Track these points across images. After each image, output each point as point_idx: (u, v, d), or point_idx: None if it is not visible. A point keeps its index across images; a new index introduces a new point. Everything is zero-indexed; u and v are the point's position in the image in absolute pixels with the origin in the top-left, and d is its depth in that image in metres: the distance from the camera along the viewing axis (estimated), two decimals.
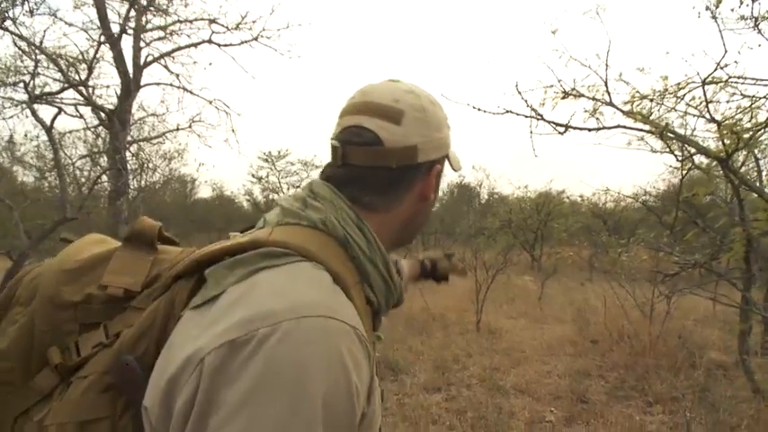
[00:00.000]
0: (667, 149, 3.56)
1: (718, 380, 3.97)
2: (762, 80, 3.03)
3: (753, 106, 3.09)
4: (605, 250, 9.71)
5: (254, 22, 8.63)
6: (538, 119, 3.19)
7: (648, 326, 4.88)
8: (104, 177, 8.00)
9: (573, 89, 3.64)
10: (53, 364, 0.53)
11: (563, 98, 3.54)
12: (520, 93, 3.12)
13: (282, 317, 0.45)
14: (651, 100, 3.47)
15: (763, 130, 3.04)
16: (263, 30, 8.68)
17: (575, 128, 3.20)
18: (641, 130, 3.46)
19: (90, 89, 7.12)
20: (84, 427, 0.49)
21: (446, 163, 0.72)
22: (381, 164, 0.62)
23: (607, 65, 3.59)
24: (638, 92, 3.67)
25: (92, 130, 8.12)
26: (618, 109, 3.60)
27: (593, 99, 3.68)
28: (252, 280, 0.50)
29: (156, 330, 0.52)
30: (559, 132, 3.19)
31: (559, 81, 3.67)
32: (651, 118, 3.54)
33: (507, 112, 3.19)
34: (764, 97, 2.98)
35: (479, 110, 3.19)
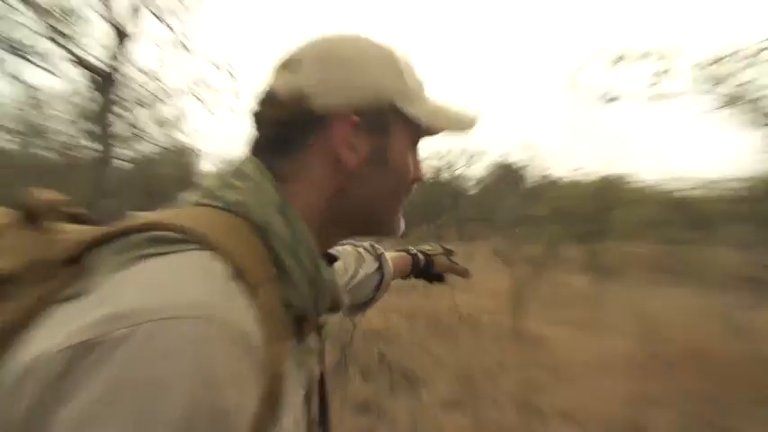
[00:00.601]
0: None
1: None
2: None
3: None
4: (682, 248, 9.29)
5: None
6: (579, 87, 2.93)
7: (737, 345, 4.62)
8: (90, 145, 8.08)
9: (633, 50, 3.32)
10: None
11: (617, 62, 3.27)
12: (560, 57, 2.84)
13: (147, 317, 0.43)
14: (734, 62, 3.08)
15: None
16: None
17: (629, 97, 2.92)
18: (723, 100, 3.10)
19: (78, 43, 7.11)
20: None
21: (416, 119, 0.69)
22: (274, 117, 0.64)
23: (681, 21, 3.23)
24: (717, 55, 3.28)
25: (82, 89, 8.19)
26: (692, 73, 3.25)
27: (661, 61, 3.35)
28: (132, 269, 0.49)
29: (27, 323, 0.50)
30: (606, 100, 2.94)
31: (618, 41, 3.33)
32: (734, 84, 3.16)
33: (543, 79, 2.94)
34: None
35: (514, 77, 2.95)
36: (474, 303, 7.08)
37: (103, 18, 7.45)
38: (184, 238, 0.52)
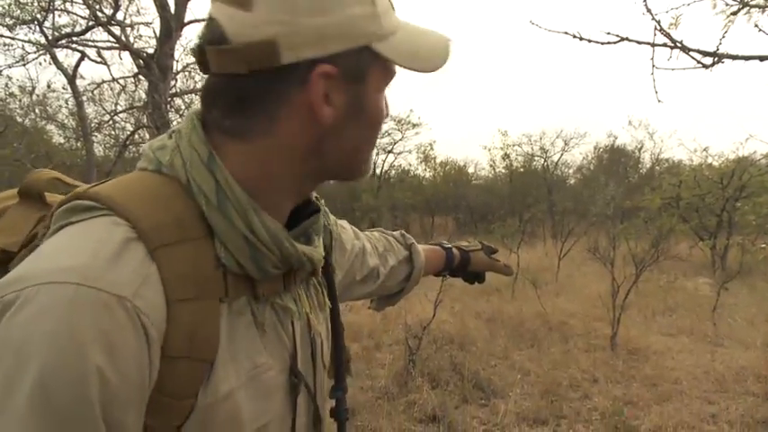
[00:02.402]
0: None
1: None
2: None
3: None
4: None
5: None
6: (673, 47, 2.80)
7: None
8: (146, 137, 8.65)
9: None
10: None
11: (737, 12, 3.07)
12: (650, 11, 2.76)
13: (29, 282, 0.51)
14: None
15: None
16: None
17: (735, 57, 2.75)
18: None
19: (126, 28, 7.67)
20: None
21: (379, 63, 0.67)
22: (233, 70, 0.61)
23: None
24: None
25: (132, 78, 8.81)
26: None
27: None
28: (49, 238, 0.59)
29: None
30: (705, 65, 2.78)
31: None
32: None
33: (622, 39, 2.85)
34: None
35: (580, 38, 2.90)
36: (566, 308, 7.02)
37: (157, 5, 7.98)
38: (95, 206, 0.59)
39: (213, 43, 0.62)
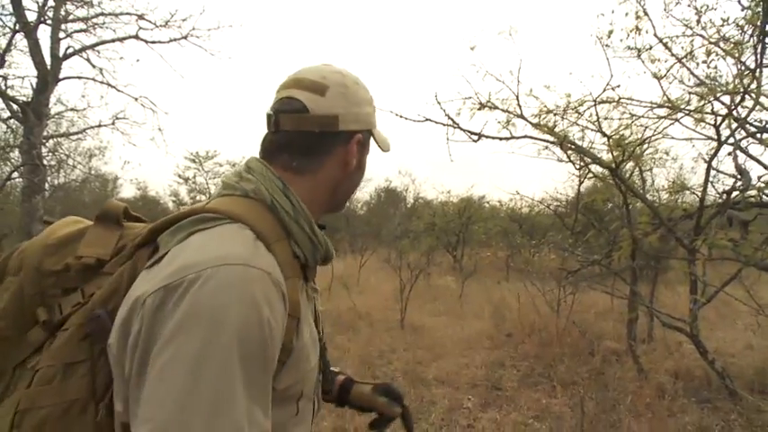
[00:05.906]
0: (568, 159, 3.87)
1: (612, 364, 4.34)
2: (642, 101, 3.42)
3: (632, 123, 3.47)
4: (520, 251, 10.22)
5: (183, 20, 8.25)
6: (455, 127, 3.34)
7: (556, 319, 5.22)
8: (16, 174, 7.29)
9: (488, 101, 3.84)
10: (41, 322, 0.63)
11: (479, 109, 3.74)
12: (439, 103, 3.27)
13: (206, 265, 0.53)
14: (555, 114, 3.76)
15: (646, 144, 3.42)
16: (193, 29, 8.33)
17: (487, 136, 3.39)
18: (546, 140, 3.75)
19: (1, 79, 6.46)
20: (68, 367, 0.59)
21: (372, 141, 0.80)
22: (306, 128, 0.71)
23: (519, 80, 3.84)
24: (545, 106, 3.96)
25: (3, 121, 7.35)
26: (527, 121, 3.86)
27: (506, 111, 3.92)
28: (187, 240, 0.59)
29: (123, 290, 0.60)
30: (473, 140, 3.37)
31: (476, 93, 3.86)
32: (555, 130, 3.83)
33: (427, 120, 3.32)
34: (642, 116, 3.38)
35: (401, 117, 3.30)
36: (368, 303, 7.10)
37: (31, 57, 6.87)
38: (219, 217, 0.62)
39: (292, 112, 0.71)
